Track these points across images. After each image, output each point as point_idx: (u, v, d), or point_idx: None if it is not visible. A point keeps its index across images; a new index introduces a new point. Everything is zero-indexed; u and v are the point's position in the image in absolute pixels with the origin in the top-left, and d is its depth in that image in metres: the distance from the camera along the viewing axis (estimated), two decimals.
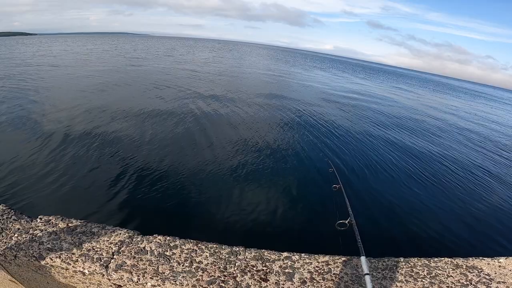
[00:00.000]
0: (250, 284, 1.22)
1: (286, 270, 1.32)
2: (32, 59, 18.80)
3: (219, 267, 1.29)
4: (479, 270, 1.45)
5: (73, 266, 1.20)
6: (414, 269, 1.41)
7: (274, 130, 7.00)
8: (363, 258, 1.27)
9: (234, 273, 1.26)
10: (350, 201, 1.72)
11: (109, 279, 1.19)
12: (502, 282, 1.39)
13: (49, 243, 1.30)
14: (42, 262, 1.21)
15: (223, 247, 1.44)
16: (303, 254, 1.46)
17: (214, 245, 1.45)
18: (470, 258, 1.54)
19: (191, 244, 1.43)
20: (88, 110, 7.10)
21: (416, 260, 1.48)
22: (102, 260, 1.24)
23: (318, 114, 9.23)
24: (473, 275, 1.41)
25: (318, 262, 1.40)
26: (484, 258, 1.55)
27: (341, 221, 1.54)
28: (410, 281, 1.33)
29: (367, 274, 1.16)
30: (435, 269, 1.43)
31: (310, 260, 1.41)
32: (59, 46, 33.68)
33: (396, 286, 1.29)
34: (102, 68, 15.31)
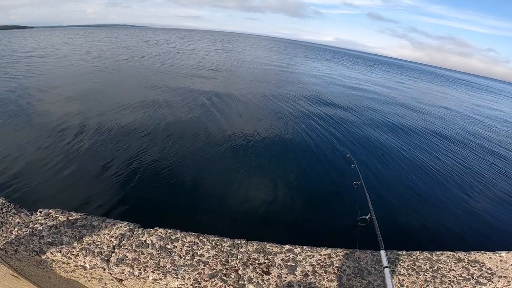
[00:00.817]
0: (252, 277, 1.21)
1: (288, 263, 1.31)
2: (35, 52, 18.59)
3: (221, 260, 1.28)
4: (481, 264, 1.45)
5: (74, 261, 1.19)
6: (416, 263, 1.40)
7: (289, 123, 6.94)
8: (382, 252, 1.28)
9: (236, 266, 1.26)
10: (371, 197, 1.73)
11: (110, 273, 1.18)
12: (504, 276, 1.39)
13: (49, 237, 1.29)
14: (43, 257, 1.21)
15: (225, 239, 1.43)
16: (305, 247, 1.45)
17: (216, 238, 1.44)
18: (472, 252, 1.53)
19: (192, 237, 1.42)
20: (90, 103, 7.04)
21: (418, 254, 1.47)
22: (103, 254, 1.23)
23: (335, 109, 9.17)
24: (475, 269, 1.41)
25: (320, 255, 1.39)
26: (485, 252, 1.55)
27: (361, 217, 1.55)
28: (412, 275, 1.33)
29: (387, 267, 1.17)
30: (437, 262, 1.42)
31: (312, 253, 1.41)
32: (59, 39, 33.24)
33: (399, 279, 1.29)
34: (105, 61, 15.14)
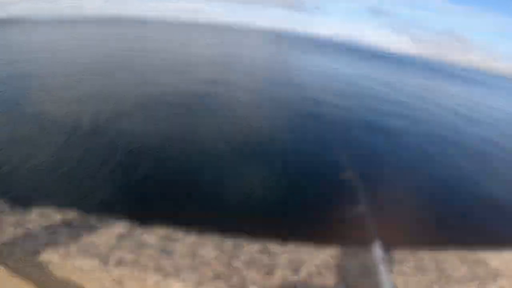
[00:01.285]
0: (256, 278, 1.18)
1: (293, 264, 1.28)
2: (35, 45, 18.19)
3: (223, 261, 1.25)
4: (486, 264, 1.44)
5: (71, 262, 1.15)
6: (422, 262, 1.38)
7: (283, 117, 6.89)
8: (377, 243, 1.26)
9: (239, 268, 1.22)
10: (365, 187, 1.70)
11: (109, 275, 1.14)
12: (509, 276, 1.37)
13: (44, 238, 1.24)
14: (39, 258, 1.16)
15: (227, 239, 1.40)
16: (309, 246, 1.42)
17: (218, 238, 1.41)
18: (477, 251, 1.52)
19: (193, 237, 1.39)
20: (88, 96, 6.91)
21: (424, 253, 1.45)
22: (101, 256, 1.19)
23: (328, 101, 9.12)
24: (480, 269, 1.39)
25: (325, 255, 1.37)
26: (490, 251, 1.54)
27: (355, 204, 1.54)
28: (418, 275, 1.31)
29: (381, 257, 1.15)
30: (443, 262, 1.41)
31: (317, 252, 1.38)
32: (56, 35, 32.60)
33: (404, 280, 1.27)
34: (106, 56, 14.84)
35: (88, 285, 1.23)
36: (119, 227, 1.38)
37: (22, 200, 2.88)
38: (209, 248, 1.32)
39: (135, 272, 1.14)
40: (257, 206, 3.24)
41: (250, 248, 1.35)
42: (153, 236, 1.36)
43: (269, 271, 1.23)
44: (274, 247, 1.38)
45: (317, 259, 1.34)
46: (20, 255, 1.20)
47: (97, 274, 1.15)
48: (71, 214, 1.43)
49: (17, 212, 1.40)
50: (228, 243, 1.37)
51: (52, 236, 1.26)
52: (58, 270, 1.19)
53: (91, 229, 1.34)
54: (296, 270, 1.26)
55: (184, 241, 1.34)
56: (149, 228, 1.42)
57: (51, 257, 1.17)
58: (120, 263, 1.17)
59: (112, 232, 1.34)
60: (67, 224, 1.35)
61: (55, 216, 1.39)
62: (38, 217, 1.37)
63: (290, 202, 3.42)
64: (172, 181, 3.61)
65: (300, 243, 1.45)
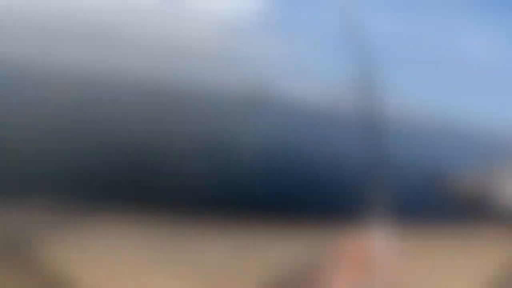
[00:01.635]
0: (257, 277, 1.18)
1: (301, 260, 1.29)
2: None
3: (228, 260, 1.24)
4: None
5: (69, 263, 1.13)
6: (419, 253, 1.40)
7: None
8: (376, 235, 1.28)
9: (244, 268, 1.22)
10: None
11: (109, 275, 1.13)
12: None
13: (40, 236, 1.21)
14: (36, 259, 1.13)
15: (231, 235, 1.39)
16: (309, 241, 1.43)
17: (221, 234, 1.40)
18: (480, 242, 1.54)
19: (195, 234, 1.37)
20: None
21: (421, 241, 1.46)
22: (102, 255, 1.17)
23: None
24: (483, 261, 1.42)
25: (324, 249, 1.37)
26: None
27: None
28: (415, 268, 1.32)
29: (382, 248, 1.17)
30: (440, 250, 1.42)
31: (317, 248, 1.38)
32: None
33: (399, 271, 1.29)
34: None
35: (87, 284, 1.22)
36: (119, 226, 1.35)
37: (20, 198, 2.83)
38: (213, 246, 1.31)
39: (135, 272, 1.12)
40: (266, 196, 3.26)
41: (253, 244, 1.35)
42: (153, 234, 1.34)
43: (271, 269, 1.23)
44: (275, 242, 1.38)
45: (318, 252, 1.34)
46: (16, 255, 1.17)
47: (97, 274, 1.14)
48: (66, 211, 1.39)
49: (11, 210, 1.36)
50: (233, 239, 1.36)
51: (48, 236, 1.23)
52: (58, 269, 1.17)
53: (90, 227, 1.31)
54: (297, 268, 1.26)
55: (186, 238, 1.33)
56: (149, 225, 1.40)
57: (48, 257, 1.14)
58: (120, 263, 1.15)
59: (112, 230, 1.31)
60: (63, 222, 1.31)
61: (51, 213, 1.36)
62: (33, 215, 1.34)
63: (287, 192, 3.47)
64: (172, 174, 3.61)
65: (300, 236, 1.46)
